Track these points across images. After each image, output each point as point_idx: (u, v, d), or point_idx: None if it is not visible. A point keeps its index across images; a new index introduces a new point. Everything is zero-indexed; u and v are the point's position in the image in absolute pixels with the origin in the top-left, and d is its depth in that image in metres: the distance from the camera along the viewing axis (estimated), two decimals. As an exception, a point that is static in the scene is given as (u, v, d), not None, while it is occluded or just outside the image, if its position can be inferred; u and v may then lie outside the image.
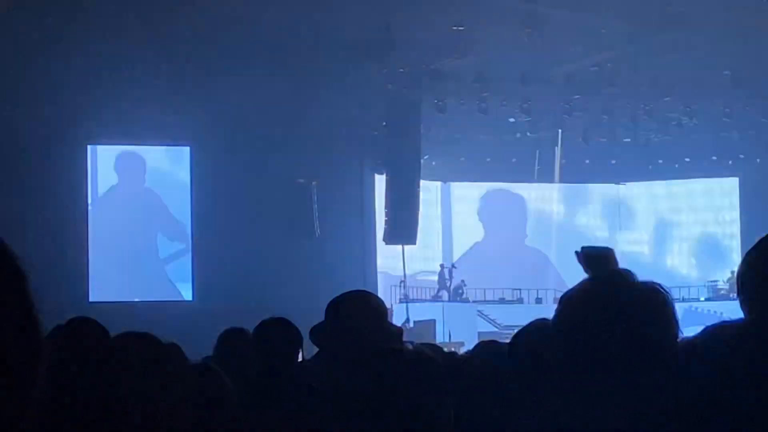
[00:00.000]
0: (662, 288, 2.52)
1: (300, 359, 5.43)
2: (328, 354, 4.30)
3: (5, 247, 1.39)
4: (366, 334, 4.04)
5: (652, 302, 2.48)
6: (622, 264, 2.64)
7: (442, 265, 31.81)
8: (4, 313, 1.32)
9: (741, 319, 2.50)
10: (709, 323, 2.48)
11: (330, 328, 4.20)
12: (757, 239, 2.73)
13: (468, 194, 33.75)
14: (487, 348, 4.87)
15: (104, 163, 26.62)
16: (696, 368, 2.31)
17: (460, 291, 31.28)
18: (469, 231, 33.54)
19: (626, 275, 2.53)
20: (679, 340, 2.48)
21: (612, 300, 2.46)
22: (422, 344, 6.50)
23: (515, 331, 4.20)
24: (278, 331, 5.46)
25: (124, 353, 2.85)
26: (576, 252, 2.65)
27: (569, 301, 2.55)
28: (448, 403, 3.16)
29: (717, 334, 2.33)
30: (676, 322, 2.48)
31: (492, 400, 4.07)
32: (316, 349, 4.75)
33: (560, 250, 33.66)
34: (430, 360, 3.22)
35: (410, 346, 3.37)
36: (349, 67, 26.29)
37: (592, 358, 2.41)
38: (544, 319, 3.67)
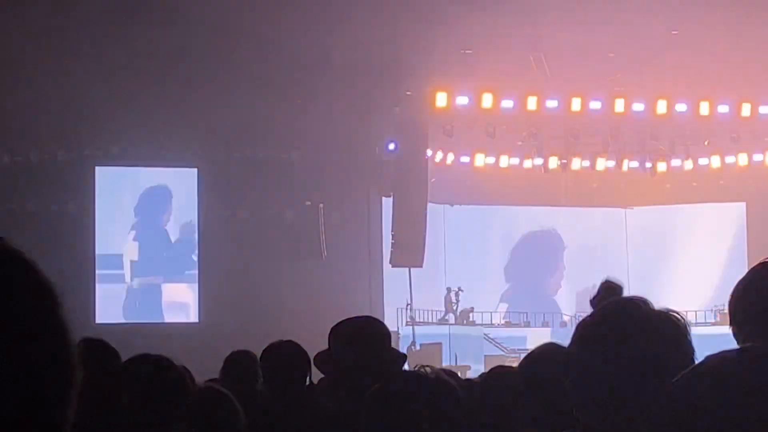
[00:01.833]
0: (678, 315, 2.51)
1: (308, 382, 5.41)
2: (332, 381, 4.29)
3: (39, 271, 1.41)
4: (368, 360, 4.03)
5: (668, 330, 2.47)
6: (633, 290, 2.64)
7: (448, 288, 31.75)
8: (40, 335, 1.34)
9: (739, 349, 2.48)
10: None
11: (332, 354, 4.19)
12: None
13: (474, 217, 33.70)
14: (498, 372, 4.86)
15: (110, 183, 26.60)
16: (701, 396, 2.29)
17: (469, 317, 31.21)
18: (474, 254, 33.47)
19: (642, 302, 2.53)
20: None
21: (628, 326, 2.45)
22: (440, 369, 6.47)
23: (521, 354, 4.19)
24: (287, 354, 5.44)
25: (140, 375, 2.86)
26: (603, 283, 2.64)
27: (586, 326, 2.55)
28: (463, 427, 3.17)
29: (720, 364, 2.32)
30: (692, 350, 2.47)
31: (504, 423, 4.06)
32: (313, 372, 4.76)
33: (569, 274, 33.63)
34: (448, 384, 3.22)
35: (429, 370, 3.36)
36: (356, 89, 26.34)
37: (607, 383, 2.41)
38: (553, 343, 3.67)
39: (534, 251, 34.33)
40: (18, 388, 1.28)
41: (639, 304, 2.53)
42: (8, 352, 1.30)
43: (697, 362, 2.44)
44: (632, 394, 2.39)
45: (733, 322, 2.68)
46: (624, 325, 2.46)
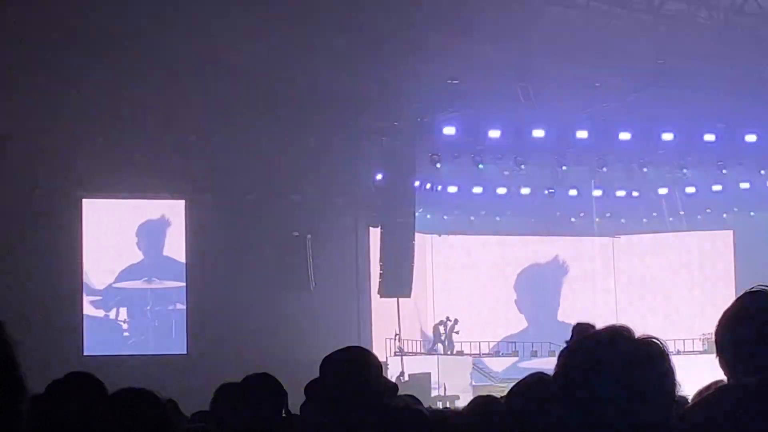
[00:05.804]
0: (659, 341, 2.53)
1: (284, 413, 5.41)
2: (321, 408, 4.29)
3: None
4: (359, 391, 4.04)
5: (649, 356, 2.49)
6: (621, 318, 2.67)
7: (437, 319, 31.75)
8: None
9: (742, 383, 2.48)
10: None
11: (324, 384, 4.19)
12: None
13: (462, 247, 33.71)
14: (483, 403, 4.86)
15: (99, 215, 26.54)
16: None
17: (455, 345, 31.15)
18: (462, 284, 33.48)
19: (623, 331, 2.55)
20: (677, 393, 2.48)
21: (610, 355, 2.47)
22: (406, 396, 6.41)
23: (511, 384, 4.20)
24: (262, 387, 5.44)
25: (124, 409, 2.85)
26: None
27: (569, 356, 2.56)
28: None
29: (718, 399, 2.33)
30: (673, 374, 2.50)
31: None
32: (301, 403, 4.78)
33: (559, 303, 33.65)
34: (418, 412, 3.23)
35: (397, 399, 3.36)
36: (344, 120, 26.41)
37: (592, 412, 2.42)
38: (540, 373, 3.67)
39: (522, 280, 34.35)
40: None
41: (621, 332, 2.55)
42: None
43: (680, 388, 2.45)
44: (616, 423, 2.40)
45: (720, 351, 2.69)
46: (606, 356, 2.47)
